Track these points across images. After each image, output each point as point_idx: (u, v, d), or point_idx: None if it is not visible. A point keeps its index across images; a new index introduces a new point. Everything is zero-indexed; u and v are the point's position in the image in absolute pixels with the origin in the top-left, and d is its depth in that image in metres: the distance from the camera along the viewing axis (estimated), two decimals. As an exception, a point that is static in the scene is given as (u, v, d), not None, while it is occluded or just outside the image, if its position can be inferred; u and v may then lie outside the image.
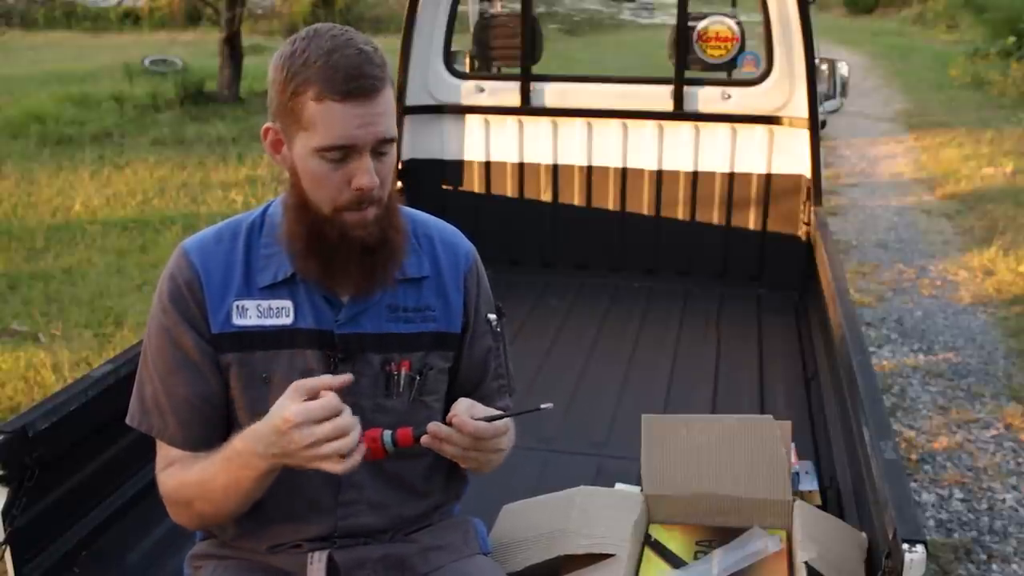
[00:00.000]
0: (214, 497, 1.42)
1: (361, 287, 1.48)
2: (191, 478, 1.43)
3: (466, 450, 1.38)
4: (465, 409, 1.39)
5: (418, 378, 1.52)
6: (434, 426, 1.38)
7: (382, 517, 1.54)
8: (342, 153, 1.36)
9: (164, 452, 1.50)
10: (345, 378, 1.32)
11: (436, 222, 1.64)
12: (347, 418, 1.28)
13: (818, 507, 2.01)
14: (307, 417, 1.26)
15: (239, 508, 1.44)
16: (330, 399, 1.28)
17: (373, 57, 1.37)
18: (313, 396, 1.29)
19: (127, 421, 1.51)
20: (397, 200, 1.50)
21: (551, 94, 3.95)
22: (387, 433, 1.38)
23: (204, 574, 1.56)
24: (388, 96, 1.38)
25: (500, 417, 1.40)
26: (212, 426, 1.48)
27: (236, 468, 1.36)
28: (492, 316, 1.63)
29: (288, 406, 1.28)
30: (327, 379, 1.32)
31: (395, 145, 1.43)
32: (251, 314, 1.46)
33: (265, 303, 1.47)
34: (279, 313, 1.47)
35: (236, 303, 1.46)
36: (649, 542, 1.82)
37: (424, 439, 1.38)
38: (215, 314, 1.46)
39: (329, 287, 1.47)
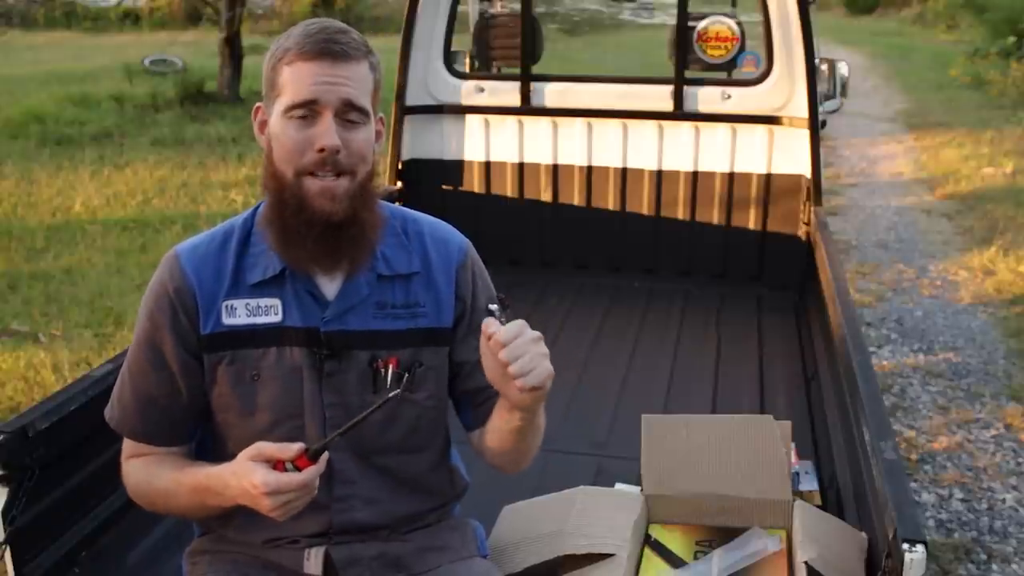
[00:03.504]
0: (177, 507, 1.50)
1: (321, 264, 1.47)
2: (156, 485, 1.49)
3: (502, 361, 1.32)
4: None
5: (406, 375, 1.51)
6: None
7: (376, 512, 1.54)
8: (306, 111, 1.39)
9: (128, 441, 1.55)
10: (298, 448, 1.31)
11: (427, 219, 1.63)
12: (314, 489, 1.32)
13: (818, 507, 2.01)
14: (279, 489, 1.29)
15: (204, 517, 1.54)
16: (304, 480, 1.29)
17: (351, 33, 1.43)
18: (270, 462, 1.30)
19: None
20: (375, 187, 1.49)
21: (551, 94, 3.95)
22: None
23: (202, 570, 1.57)
24: (362, 70, 1.42)
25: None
26: (172, 423, 1.52)
27: (201, 498, 1.43)
28: (493, 307, 1.61)
29: (255, 470, 1.29)
30: (284, 451, 1.31)
31: (369, 124, 1.44)
32: (240, 313, 1.48)
33: (254, 302, 1.48)
34: (268, 311, 1.48)
35: (225, 303, 1.48)
36: (649, 542, 1.82)
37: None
38: (206, 316, 1.47)
39: (290, 261, 1.46)
